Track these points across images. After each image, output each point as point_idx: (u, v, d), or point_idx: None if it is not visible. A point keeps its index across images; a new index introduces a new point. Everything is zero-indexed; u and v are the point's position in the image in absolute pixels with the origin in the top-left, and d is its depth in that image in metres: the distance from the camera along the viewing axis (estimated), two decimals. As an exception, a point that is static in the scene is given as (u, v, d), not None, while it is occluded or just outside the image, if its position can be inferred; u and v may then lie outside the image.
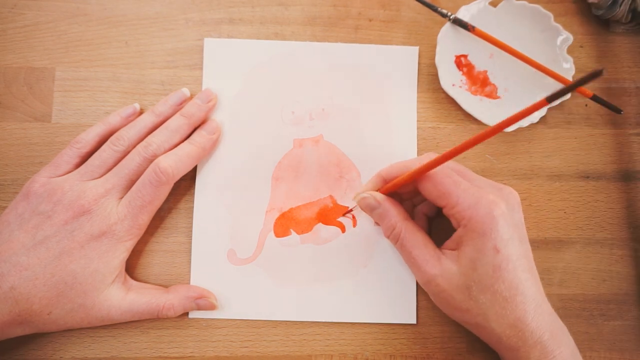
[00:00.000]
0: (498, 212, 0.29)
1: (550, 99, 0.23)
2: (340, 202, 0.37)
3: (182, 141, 0.36)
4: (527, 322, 0.29)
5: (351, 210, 0.37)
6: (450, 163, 0.32)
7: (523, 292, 0.29)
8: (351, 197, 0.37)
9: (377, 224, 0.36)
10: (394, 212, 0.32)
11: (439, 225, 0.37)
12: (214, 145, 0.37)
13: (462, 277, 0.30)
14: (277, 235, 0.37)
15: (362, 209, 0.34)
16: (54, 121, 0.37)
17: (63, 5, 0.39)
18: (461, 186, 0.30)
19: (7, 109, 0.37)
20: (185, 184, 0.37)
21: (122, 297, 0.33)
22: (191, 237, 0.36)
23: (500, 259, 0.29)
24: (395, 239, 0.32)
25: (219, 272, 0.36)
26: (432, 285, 0.31)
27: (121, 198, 0.33)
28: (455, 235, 0.31)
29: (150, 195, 0.33)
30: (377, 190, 0.34)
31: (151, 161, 0.34)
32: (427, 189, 0.31)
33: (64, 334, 0.35)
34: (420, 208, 0.36)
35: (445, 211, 0.31)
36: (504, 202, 0.30)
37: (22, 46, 0.38)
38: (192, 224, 0.37)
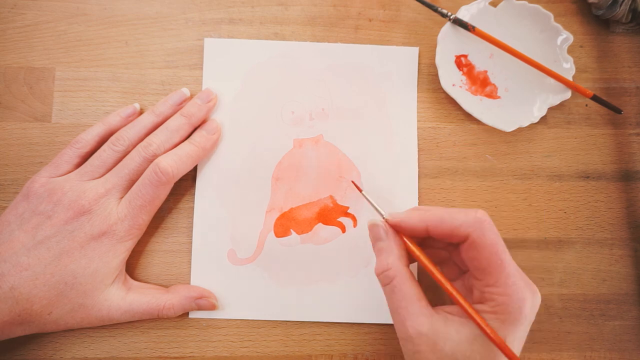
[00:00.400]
0: (527, 310, 0.28)
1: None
2: (340, 202, 0.37)
3: (182, 141, 0.36)
4: None
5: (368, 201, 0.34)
6: (498, 233, 0.29)
7: None
8: (352, 195, 0.37)
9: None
10: (396, 254, 0.30)
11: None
12: (214, 145, 0.37)
13: (452, 344, 0.28)
14: (277, 235, 0.37)
15: (369, 233, 0.32)
16: (54, 121, 0.37)
17: (63, 5, 0.39)
18: (506, 270, 0.28)
19: (7, 109, 0.37)
20: (185, 184, 0.37)
21: (122, 297, 0.33)
22: (191, 237, 0.36)
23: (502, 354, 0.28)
24: (387, 280, 0.30)
25: (219, 272, 0.36)
26: (413, 343, 0.28)
27: (121, 198, 0.33)
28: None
29: (150, 195, 0.33)
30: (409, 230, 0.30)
31: (151, 161, 0.34)
32: (470, 256, 0.29)
33: (64, 334, 0.35)
34: (455, 257, 0.32)
35: (474, 282, 0.29)
36: (532, 299, 0.28)
37: (22, 46, 0.38)
38: (192, 224, 0.37)
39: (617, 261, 0.38)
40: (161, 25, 0.39)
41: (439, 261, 0.33)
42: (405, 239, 0.31)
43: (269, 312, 0.36)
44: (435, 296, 0.32)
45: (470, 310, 0.28)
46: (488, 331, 0.27)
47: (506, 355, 0.27)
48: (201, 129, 0.36)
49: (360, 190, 0.34)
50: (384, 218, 0.31)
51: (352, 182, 0.36)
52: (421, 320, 0.28)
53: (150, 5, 0.39)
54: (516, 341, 0.28)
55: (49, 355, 0.35)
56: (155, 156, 0.34)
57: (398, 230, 0.31)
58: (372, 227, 0.31)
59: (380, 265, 0.30)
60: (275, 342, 0.36)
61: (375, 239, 0.31)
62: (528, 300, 0.28)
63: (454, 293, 0.29)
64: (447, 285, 0.29)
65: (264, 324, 0.36)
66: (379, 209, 0.32)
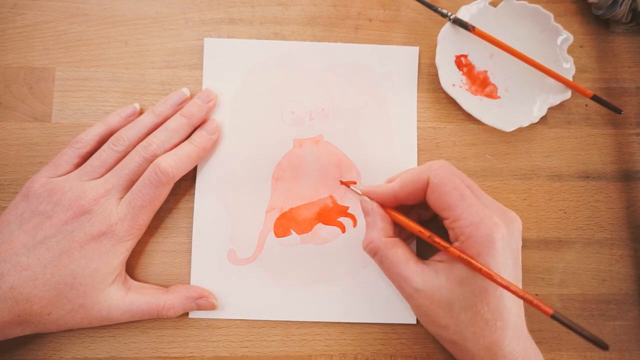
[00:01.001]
0: (498, 235, 0.29)
1: (555, 317, 0.27)
2: (340, 202, 0.37)
3: (182, 141, 0.36)
4: (502, 346, 0.29)
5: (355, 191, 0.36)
6: (458, 172, 0.31)
7: (504, 317, 0.29)
8: (352, 195, 0.37)
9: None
10: (379, 226, 0.32)
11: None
12: (214, 145, 0.37)
13: (447, 291, 0.30)
14: (277, 235, 0.37)
15: (360, 205, 0.34)
16: (54, 121, 0.37)
17: (63, 5, 0.39)
18: (467, 201, 0.29)
19: (7, 109, 0.37)
20: (185, 184, 0.37)
21: (122, 297, 0.33)
22: (191, 237, 0.36)
23: (489, 283, 0.29)
24: (372, 253, 0.32)
25: (219, 272, 0.36)
26: (413, 299, 0.31)
27: (121, 198, 0.33)
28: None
29: (150, 195, 0.33)
30: (385, 202, 0.33)
31: (151, 161, 0.34)
32: (433, 198, 0.31)
33: (64, 334, 0.35)
34: (415, 209, 0.35)
35: (445, 223, 0.31)
36: (506, 226, 0.29)
37: (22, 46, 0.38)
38: (192, 224, 0.37)
39: (617, 261, 0.38)
40: (161, 25, 0.39)
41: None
42: (389, 210, 0.33)
43: (269, 312, 0.36)
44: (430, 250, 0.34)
45: (451, 249, 0.30)
46: (468, 259, 0.29)
47: (485, 275, 0.28)
48: (201, 129, 0.36)
49: (347, 185, 0.36)
50: (359, 192, 0.34)
51: (340, 181, 0.37)
52: (413, 278, 0.30)
53: (150, 5, 0.39)
54: (499, 271, 0.29)
55: (49, 355, 0.35)
56: (155, 156, 0.34)
57: (379, 202, 0.33)
58: (362, 202, 0.34)
59: (365, 239, 0.33)
60: (275, 342, 0.36)
61: (364, 213, 0.34)
62: (498, 225, 0.29)
63: (437, 240, 0.31)
64: (421, 229, 0.31)
65: (264, 324, 0.36)
66: (355, 189, 0.35)
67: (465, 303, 0.29)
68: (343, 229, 0.37)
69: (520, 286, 0.31)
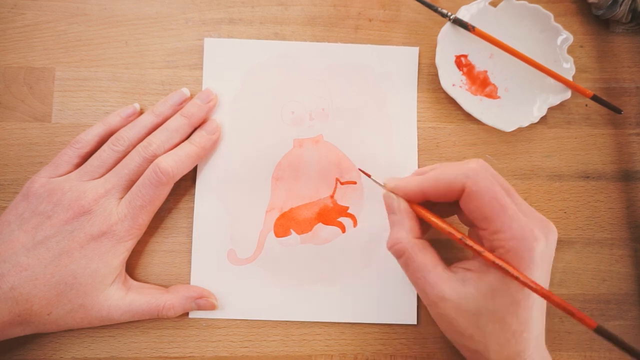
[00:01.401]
0: (538, 250, 0.27)
1: (599, 331, 0.25)
2: (340, 202, 0.37)
3: (182, 141, 0.36)
4: (524, 357, 0.29)
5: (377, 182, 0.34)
6: (496, 175, 0.29)
7: (530, 329, 0.28)
8: (352, 195, 0.37)
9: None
10: (406, 227, 0.30)
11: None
12: (214, 145, 0.37)
13: (475, 302, 0.28)
14: (277, 235, 0.37)
15: (384, 203, 0.32)
16: (54, 121, 0.37)
17: (63, 5, 0.39)
18: (508, 213, 0.28)
19: (7, 109, 0.37)
20: (185, 184, 0.37)
21: (122, 297, 0.33)
22: (191, 237, 0.36)
23: (521, 295, 0.28)
24: (397, 254, 0.31)
25: (219, 272, 0.36)
26: (438, 307, 0.29)
27: (121, 198, 0.33)
28: (481, 259, 0.29)
29: (150, 195, 0.33)
30: (411, 198, 0.31)
31: (151, 161, 0.34)
32: (471, 207, 0.29)
33: (64, 334, 0.35)
34: (437, 207, 0.33)
35: (483, 233, 0.29)
36: (545, 239, 0.28)
37: (22, 46, 0.38)
38: (192, 224, 0.37)
39: (617, 261, 0.38)
40: (161, 25, 0.39)
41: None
42: (415, 206, 0.31)
43: (269, 312, 0.36)
44: (452, 254, 0.32)
45: (487, 253, 0.28)
46: (505, 266, 0.27)
47: (529, 287, 0.27)
48: (201, 129, 0.36)
49: (368, 175, 0.34)
50: (382, 185, 0.32)
51: (359, 169, 0.35)
52: (440, 286, 0.29)
53: (150, 5, 0.39)
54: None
55: (49, 355, 0.35)
56: (155, 156, 0.34)
57: (405, 198, 0.31)
58: (386, 198, 0.32)
59: (391, 240, 0.31)
60: (275, 342, 0.36)
61: (388, 211, 0.32)
62: (539, 240, 0.28)
63: (470, 243, 0.29)
64: (452, 230, 0.29)
65: (264, 324, 0.36)
66: (378, 181, 0.32)
67: (494, 315, 0.28)
68: (343, 229, 0.37)
69: (545, 303, 0.30)
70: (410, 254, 0.30)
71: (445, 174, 0.30)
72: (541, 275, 0.28)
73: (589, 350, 0.37)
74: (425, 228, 0.32)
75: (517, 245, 0.27)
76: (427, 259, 0.30)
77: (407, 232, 0.30)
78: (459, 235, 0.29)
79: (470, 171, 0.29)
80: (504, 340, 0.28)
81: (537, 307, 0.29)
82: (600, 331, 0.26)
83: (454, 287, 0.29)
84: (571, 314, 0.27)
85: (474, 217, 0.29)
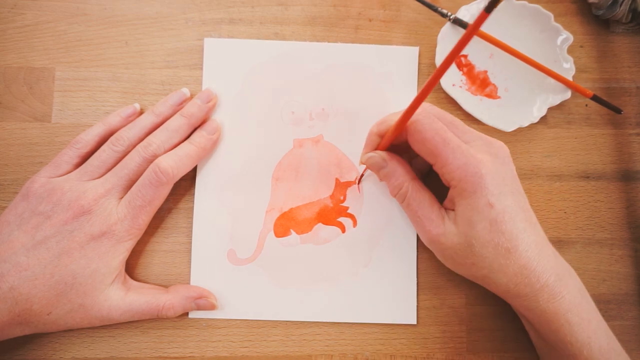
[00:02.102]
0: (485, 170, 0.29)
1: (488, 8, 0.23)
2: (340, 203, 0.37)
3: (182, 141, 0.36)
4: (531, 268, 0.30)
5: (361, 176, 0.37)
6: (440, 113, 0.32)
7: (524, 240, 0.30)
8: (352, 195, 0.37)
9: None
10: (401, 171, 0.32)
11: (437, 182, 0.36)
12: (214, 145, 0.37)
13: (462, 235, 0.30)
14: (277, 235, 0.37)
15: (369, 168, 0.34)
16: (54, 121, 0.37)
17: (63, 5, 0.39)
18: (450, 144, 0.30)
19: (7, 109, 0.37)
20: (185, 184, 0.37)
21: (121, 297, 0.33)
22: (191, 237, 0.36)
23: (495, 213, 0.29)
24: (402, 198, 0.32)
25: (219, 272, 0.36)
26: (437, 243, 0.31)
27: (121, 198, 0.33)
28: (449, 195, 0.31)
29: (150, 195, 0.33)
30: (376, 149, 0.33)
31: (151, 161, 0.34)
32: (417, 146, 0.31)
33: (64, 334, 0.35)
34: (414, 164, 0.36)
35: (435, 168, 0.31)
36: (492, 158, 0.30)
37: (22, 46, 0.38)
38: (192, 224, 0.37)
39: (617, 261, 0.38)
40: (161, 25, 0.39)
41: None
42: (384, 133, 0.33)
43: (269, 312, 0.36)
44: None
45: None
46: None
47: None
48: (201, 129, 0.36)
49: (359, 179, 0.36)
50: (362, 161, 0.34)
51: (357, 183, 0.37)
52: (436, 223, 0.31)
53: (150, 5, 0.39)
54: (503, 197, 0.29)
55: (49, 355, 0.35)
56: (155, 156, 0.34)
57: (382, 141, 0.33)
58: (369, 160, 0.33)
59: (394, 187, 0.33)
60: (275, 342, 0.36)
61: (377, 168, 0.33)
62: (484, 162, 0.29)
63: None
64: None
65: (264, 324, 0.36)
66: (363, 156, 0.34)
67: (482, 241, 0.29)
68: (343, 229, 0.37)
69: (533, 214, 0.31)
70: (411, 194, 0.32)
71: (389, 115, 0.33)
72: (500, 193, 0.29)
73: (589, 350, 0.37)
74: (417, 168, 0.35)
75: (463, 173, 0.29)
76: (424, 198, 0.32)
77: (403, 175, 0.32)
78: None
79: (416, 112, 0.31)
80: (503, 259, 0.30)
81: (520, 219, 0.30)
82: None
83: (447, 223, 0.31)
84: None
85: (424, 155, 0.31)
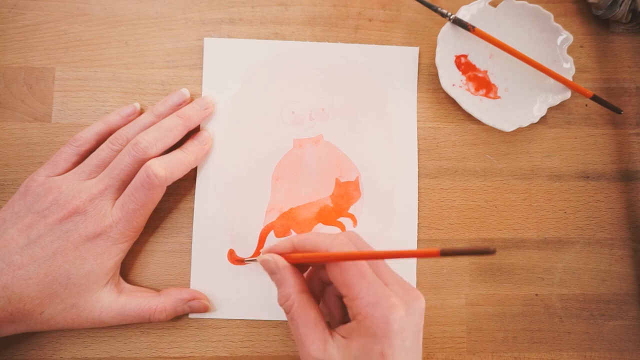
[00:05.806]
0: (395, 316, 0.27)
1: (444, 253, 0.24)
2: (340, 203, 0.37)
3: (176, 142, 0.35)
4: None
5: (251, 261, 0.36)
6: (367, 247, 0.31)
7: None
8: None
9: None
10: (291, 282, 0.30)
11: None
12: (205, 154, 0.37)
13: None
14: (277, 235, 0.37)
15: (263, 268, 0.32)
16: (54, 121, 0.37)
17: (63, 5, 0.39)
18: (366, 279, 0.28)
19: (7, 109, 0.37)
20: (186, 184, 0.37)
21: (114, 300, 0.33)
22: (191, 237, 0.36)
23: (385, 349, 0.27)
24: (287, 309, 0.30)
25: (219, 272, 0.36)
26: None
27: (116, 199, 0.33)
28: (348, 326, 0.29)
29: (143, 198, 0.33)
30: (287, 254, 0.32)
31: (142, 160, 0.33)
32: (333, 272, 0.29)
33: (64, 334, 0.35)
34: (331, 289, 0.33)
35: (345, 300, 0.29)
36: (405, 307, 0.28)
37: (22, 46, 0.38)
38: (192, 224, 0.37)
39: (617, 261, 0.38)
40: (161, 25, 0.39)
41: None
42: (291, 256, 0.31)
43: (269, 312, 0.36)
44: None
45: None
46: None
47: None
48: (193, 139, 0.36)
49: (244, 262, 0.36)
50: (256, 259, 0.33)
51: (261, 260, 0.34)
52: (317, 345, 0.29)
53: (150, 5, 0.39)
54: (394, 351, 0.27)
55: (49, 355, 0.35)
56: (146, 154, 0.33)
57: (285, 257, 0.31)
58: (264, 263, 0.32)
59: (281, 297, 0.31)
60: (275, 342, 0.36)
61: (269, 272, 0.32)
62: (396, 307, 0.27)
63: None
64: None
65: (264, 324, 0.36)
66: (251, 260, 0.36)
67: None
68: (343, 229, 0.37)
69: None
70: (296, 309, 0.30)
71: (315, 236, 0.31)
72: (403, 344, 0.27)
73: (589, 350, 0.37)
74: (314, 286, 0.33)
75: (372, 311, 0.27)
76: (309, 316, 0.30)
77: (292, 286, 0.30)
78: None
79: (337, 237, 0.30)
80: None
81: (405, 356, 0.28)
82: (445, 253, 0.25)
83: (330, 350, 0.29)
84: (412, 255, 0.27)
85: (337, 284, 0.29)
